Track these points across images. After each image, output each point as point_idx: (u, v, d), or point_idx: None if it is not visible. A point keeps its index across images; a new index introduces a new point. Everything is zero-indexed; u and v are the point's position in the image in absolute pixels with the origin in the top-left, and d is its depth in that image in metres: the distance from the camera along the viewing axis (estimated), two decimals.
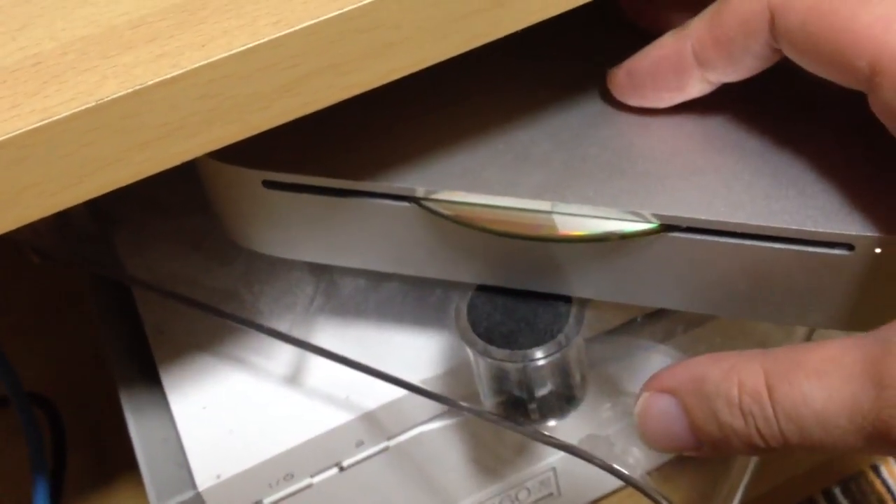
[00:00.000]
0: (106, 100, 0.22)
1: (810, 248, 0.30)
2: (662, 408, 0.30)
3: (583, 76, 0.35)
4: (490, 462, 0.44)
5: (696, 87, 0.32)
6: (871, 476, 0.55)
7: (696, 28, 0.30)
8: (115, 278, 0.46)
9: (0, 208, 0.23)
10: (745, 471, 0.40)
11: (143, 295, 0.44)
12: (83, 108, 0.22)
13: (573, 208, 0.32)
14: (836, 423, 0.26)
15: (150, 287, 0.43)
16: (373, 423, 0.39)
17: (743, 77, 0.31)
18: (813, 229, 0.30)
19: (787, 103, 0.33)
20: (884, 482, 0.55)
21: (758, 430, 0.27)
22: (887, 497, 0.54)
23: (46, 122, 0.22)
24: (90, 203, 0.24)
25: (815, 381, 0.26)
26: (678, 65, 0.31)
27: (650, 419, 0.30)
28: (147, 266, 0.45)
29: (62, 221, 0.47)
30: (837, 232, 0.29)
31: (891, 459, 0.55)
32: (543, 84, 0.35)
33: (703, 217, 0.31)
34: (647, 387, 0.30)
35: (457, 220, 0.32)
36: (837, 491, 0.55)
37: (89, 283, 0.48)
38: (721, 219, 0.30)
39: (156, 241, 0.46)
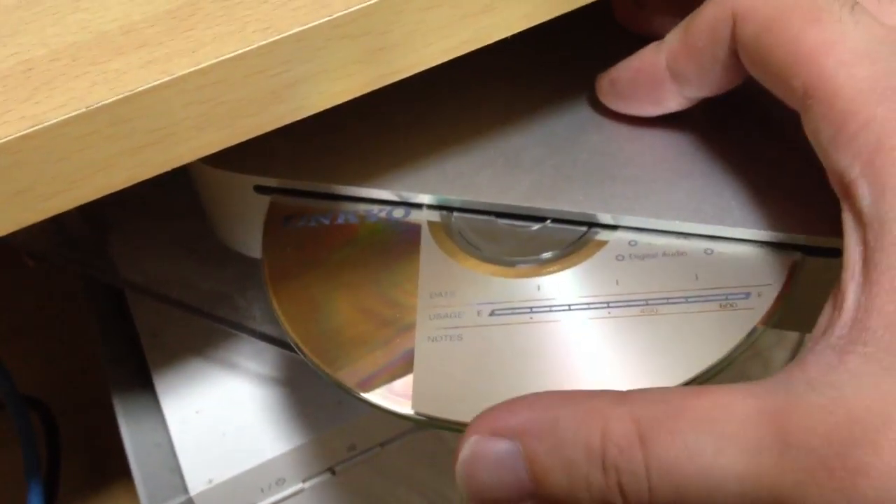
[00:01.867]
0: (96, 106, 0.22)
1: (798, 255, 0.30)
2: (496, 454, 0.24)
3: (574, 82, 0.35)
4: None
5: (673, 102, 0.32)
6: None
7: (670, 40, 0.31)
8: (109, 282, 0.46)
9: None
10: None
11: (137, 299, 0.44)
12: (74, 114, 0.22)
13: (564, 214, 0.32)
14: (724, 486, 0.22)
15: (143, 291, 0.43)
16: (365, 427, 0.39)
17: (716, 92, 0.31)
18: (804, 235, 0.30)
19: (778, 111, 0.33)
20: None
21: (620, 485, 0.23)
22: None
23: (37, 128, 0.22)
24: (84, 207, 0.24)
25: (703, 432, 0.22)
26: (654, 77, 0.31)
27: (480, 468, 0.25)
28: (141, 270, 0.45)
29: (57, 225, 0.47)
30: (826, 238, 0.30)
31: None
32: (534, 89, 0.35)
33: (693, 222, 0.31)
34: (475, 428, 0.25)
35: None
36: None
37: (83, 287, 0.48)
38: (710, 223, 0.31)
39: (150, 245, 0.46)
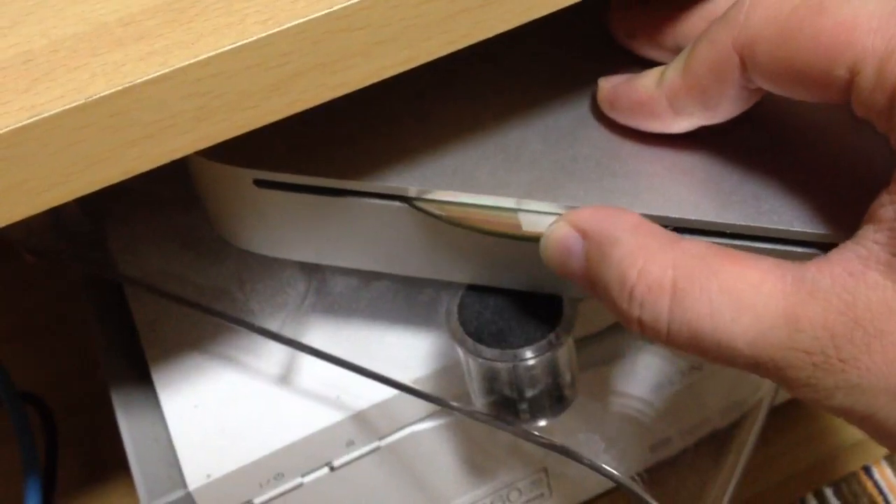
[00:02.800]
0: (95, 97, 0.22)
1: (798, 249, 0.30)
2: (568, 241, 0.30)
3: (574, 77, 0.35)
4: (481, 462, 0.44)
5: (675, 129, 0.32)
6: (863, 477, 0.55)
7: (670, 77, 0.31)
8: (107, 276, 0.46)
9: None
10: (736, 471, 0.40)
11: (135, 293, 0.44)
12: (72, 105, 0.22)
13: (564, 209, 0.32)
14: (733, 344, 0.27)
15: (141, 285, 0.43)
16: (363, 422, 0.39)
17: (721, 121, 0.31)
18: (800, 230, 0.30)
19: (777, 108, 0.33)
20: (875, 483, 0.55)
21: (640, 318, 0.28)
22: (878, 498, 0.54)
23: (36, 119, 0.22)
24: (83, 201, 0.24)
25: (726, 298, 0.27)
26: (654, 112, 0.31)
27: (554, 245, 0.31)
28: (139, 264, 0.45)
29: (55, 220, 0.47)
30: (824, 232, 0.30)
31: (883, 461, 0.55)
32: (534, 84, 0.35)
33: (691, 217, 0.31)
34: (566, 217, 0.31)
35: (447, 220, 0.32)
36: (829, 492, 0.55)
37: (82, 282, 0.48)
38: (710, 218, 0.30)
39: (148, 240, 0.46)
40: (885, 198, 0.26)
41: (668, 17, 0.33)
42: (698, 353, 0.28)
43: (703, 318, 0.27)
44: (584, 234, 0.30)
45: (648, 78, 0.32)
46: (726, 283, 0.27)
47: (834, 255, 0.27)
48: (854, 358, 0.25)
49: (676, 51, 0.32)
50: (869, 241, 0.26)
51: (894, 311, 0.25)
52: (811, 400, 0.27)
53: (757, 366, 0.27)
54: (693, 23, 0.32)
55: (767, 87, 0.29)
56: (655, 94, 0.31)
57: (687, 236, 0.29)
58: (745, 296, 0.26)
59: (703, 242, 0.28)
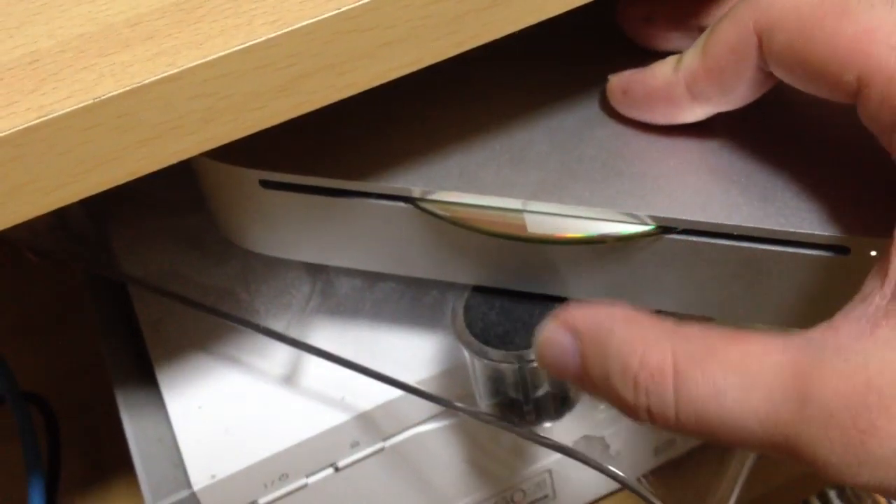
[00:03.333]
0: (102, 98, 0.22)
1: (806, 251, 0.30)
2: (563, 343, 0.29)
3: (580, 77, 0.35)
4: (486, 464, 0.44)
5: (690, 117, 0.32)
6: None
7: (688, 62, 0.30)
8: (111, 277, 0.46)
9: None
10: (741, 473, 0.40)
11: (140, 294, 0.44)
12: (80, 105, 0.22)
13: (569, 210, 0.32)
14: (745, 425, 0.25)
15: (146, 286, 0.43)
16: (368, 423, 0.39)
17: (735, 107, 0.31)
18: (809, 231, 0.30)
19: (785, 108, 0.33)
20: None
21: (648, 407, 0.27)
22: (881, 500, 0.54)
23: (43, 119, 0.22)
24: (87, 202, 0.24)
25: (731, 377, 0.25)
26: (671, 98, 0.31)
27: (548, 347, 0.30)
28: (143, 265, 0.45)
29: (59, 220, 0.47)
30: (833, 234, 0.29)
31: None
32: (540, 85, 0.35)
33: (699, 219, 0.31)
34: (555, 316, 0.30)
35: (453, 221, 0.32)
36: (833, 494, 0.55)
37: (86, 282, 0.48)
38: (717, 220, 0.30)
39: (152, 240, 0.46)
40: (891, 247, 0.25)
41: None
42: (710, 437, 0.26)
43: (710, 400, 0.25)
44: (575, 333, 0.29)
45: (665, 64, 0.31)
46: (728, 361, 0.25)
47: (838, 317, 0.25)
48: (873, 426, 0.23)
49: (697, 32, 0.32)
50: (876, 296, 0.25)
51: None
52: (836, 480, 0.24)
53: (773, 446, 0.25)
54: (715, 1, 0.32)
55: (779, 74, 0.29)
56: (672, 79, 0.31)
57: (684, 322, 0.27)
58: (750, 372, 0.25)
59: (701, 324, 0.27)
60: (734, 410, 0.25)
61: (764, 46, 0.28)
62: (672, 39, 0.34)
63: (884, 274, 0.25)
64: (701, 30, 0.31)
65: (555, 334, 0.29)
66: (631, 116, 0.33)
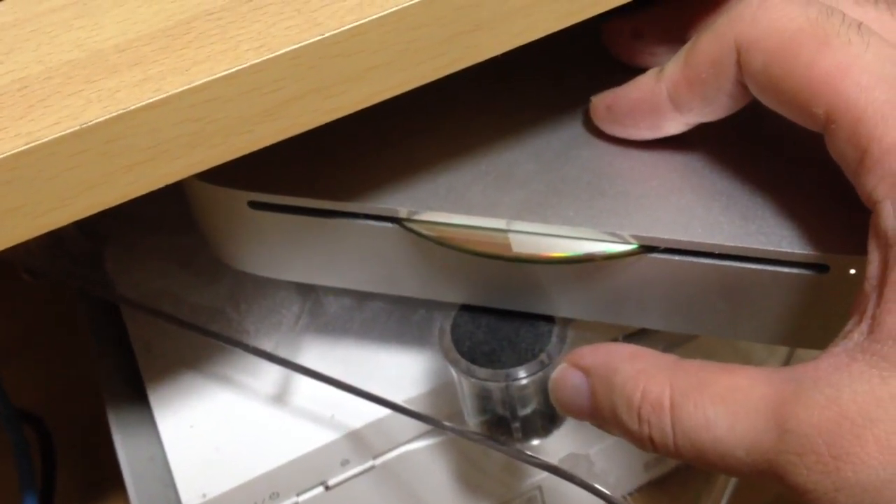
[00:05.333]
0: (90, 124, 0.23)
1: (786, 269, 0.30)
2: (574, 382, 0.31)
3: (565, 98, 0.35)
4: (476, 481, 0.45)
5: (673, 127, 0.32)
6: None
7: (670, 72, 0.31)
8: (104, 297, 0.47)
9: None
10: (726, 490, 0.40)
11: (132, 313, 0.45)
12: (68, 131, 0.22)
13: (553, 229, 0.32)
14: (734, 453, 0.26)
15: (138, 305, 0.44)
16: (358, 441, 0.39)
17: (718, 117, 0.31)
18: (789, 250, 0.30)
19: (765, 129, 0.33)
20: None
21: (651, 437, 0.28)
22: None
23: (32, 145, 0.22)
24: (81, 222, 0.25)
25: (720, 408, 0.27)
26: (654, 107, 0.32)
27: (561, 389, 0.31)
28: (136, 284, 0.45)
29: (53, 240, 0.47)
30: (813, 253, 0.30)
31: None
32: (526, 106, 0.36)
33: (681, 238, 0.31)
34: (567, 359, 0.32)
35: (439, 241, 0.33)
36: None
37: (79, 302, 0.49)
38: (699, 240, 0.31)
39: (145, 260, 0.46)
40: (865, 284, 0.26)
41: (678, 11, 0.33)
42: (708, 465, 0.27)
43: (701, 430, 0.27)
44: (586, 372, 0.31)
45: (647, 75, 0.32)
46: (717, 394, 0.27)
47: (823, 354, 0.26)
48: (847, 453, 0.24)
49: (675, 48, 0.32)
50: (855, 333, 0.26)
51: (882, 399, 0.24)
52: None
53: (759, 473, 0.26)
54: (705, 15, 0.33)
55: (754, 92, 0.29)
56: (655, 89, 0.31)
57: (684, 359, 0.29)
58: (737, 404, 0.26)
59: (699, 361, 0.28)
60: (723, 439, 0.26)
61: (742, 62, 0.29)
62: (658, 55, 0.34)
63: (862, 311, 0.26)
64: (682, 43, 0.32)
65: (567, 375, 0.31)
66: (615, 133, 0.34)
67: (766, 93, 0.28)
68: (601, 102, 0.33)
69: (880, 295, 0.25)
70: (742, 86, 0.29)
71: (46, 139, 0.22)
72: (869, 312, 0.26)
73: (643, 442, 0.29)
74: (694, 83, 0.30)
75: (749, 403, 0.26)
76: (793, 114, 0.28)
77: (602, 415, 0.30)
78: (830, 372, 0.25)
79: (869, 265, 0.26)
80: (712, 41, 0.29)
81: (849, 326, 0.26)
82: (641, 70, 0.33)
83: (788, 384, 0.26)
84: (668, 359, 0.29)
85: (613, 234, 0.31)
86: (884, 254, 0.26)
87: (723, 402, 0.27)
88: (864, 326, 0.26)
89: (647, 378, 0.28)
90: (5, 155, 0.22)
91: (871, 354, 0.25)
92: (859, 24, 0.27)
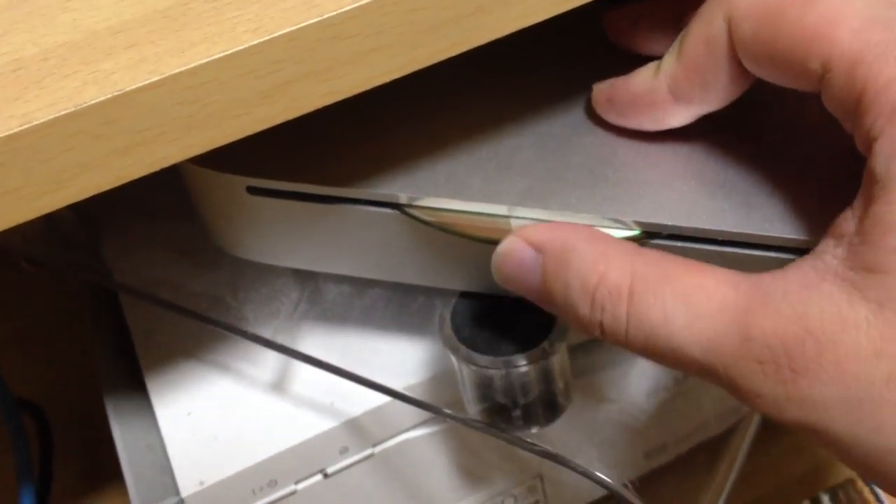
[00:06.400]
0: (85, 105, 0.22)
1: (789, 256, 0.30)
2: (524, 258, 0.30)
3: (567, 84, 0.35)
4: (476, 469, 0.44)
5: (676, 120, 0.32)
6: (859, 483, 0.55)
7: (667, 64, 0.31)
8: (102, 284, 0.46)
9: None
10: (729, 478, 0.40)
11: (130, 301, 0.45)
12: (63, 113, 0.22)
13: (556, 215, 0.32)
14: (687, 350, 0.27)
15: (136, 293, 0.43)
16: (357, 429, 0.39)
17: (720, 105, 0.31)
18: (792, 237, 0.30)
19: (770, 117, 0.33)
20: (872, 490, 0.55)
21: (601, 322, 0.28)
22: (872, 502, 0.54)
23: (26, 126, 0.22)
24: (78, 209, 0.24)
25: (680, 304, 0.27)
26: (654, 102, 0.32)
27: (508, 262, 0.31)
28: (134, 272, 0.45)
29: (51, 228, 0.47)
30: (814, 239, 0.30)
31: None
32: (528, 92, 0.35)
33: (684, 224, 0.31)
34: (519, 233, 0.31)
35: (438, 227, 0.33)
36: (825, 498, 0.55)
37: (78, 290, 0.48)
38: (702, 226, 0.31)
39: (143, 247, 0.46)
40: (847, 213, 0.26)
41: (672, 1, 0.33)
42: (655, 357, 0.28)
43: (658, 323, 0.27)
44: (540, 248, 0.30)
45: (646, 70, 0.32)
46: (681, 290, 0.27)
47: (790, 267, 0.27)
48: (805, 368, 0.25)
49: (678, 33, 0.32)
50: (828, 255, 0.26)
51: (848, 322, 0.25)
52: (765, 412, 0.27)
53: (709, 373, 0.27)
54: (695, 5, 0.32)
55: (749, 66, 0.29)
56: (654, 84, 0.31)
57: (647, 248, 0.29)
58: (699, 303, 0.27)
59: (662, 252, 0.29)
60: (679, 336, 0.27)
61: (733, 36, 0.28)
62: (655, 42, 0.34)
63: (838, 236, 0.26)
64: (679, 31, 0.32)
65: (516, 248, 0.31)
66: (618, 124, 0.33)
67: (760, 61, 0.28)
68: (601, 95, 0.33)
69: (860, 226, 0.26)
70: (739, 65, 0.29)
71: (41, 120, 0.22)
72: (846, 239, 0.26)
73: (591, 327, 0.29)
74: (691, 70, 0.30)
75: (713, 305, 0.27)
76: (789, 76, 0.28)
77: (551, 296, 0.30)
78: (800, 288, 0.26)
79: (856, 199, 0.26)
80: (702, 23, 0.29)
81: (821, 246, 0.27)
82: (643, 57, 0.33)
83: (756, 291, 0.26)
84: (630, 246, 0.29)
85: (616, 220, 0.31)
86: (869, 188, 0.26)
87: (685, 299, 0.27)
88: (839, 251, 0.26)
89: (608, 262, 0.28)
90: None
91: (842, 280, 0.25)
92: None
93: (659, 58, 0.32)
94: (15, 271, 0.47)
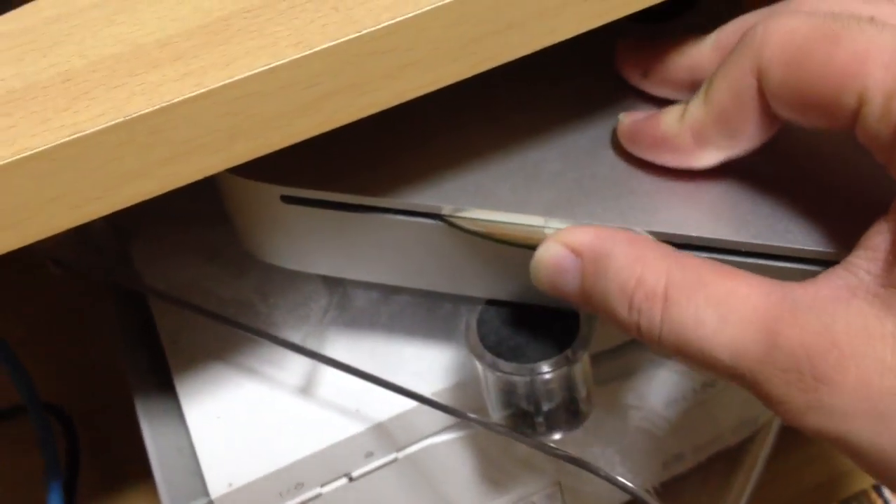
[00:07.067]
0: (133, 116, 0.23)
1: (814, 268, 0.31)
2: (562, 262, 0.31)
3: (594, 97, 0.36)
4: (497, 476, 0.45)
5: (700, 164, 0.32)
6: (873, 495, 0.55)
7: (693, 111, 0.31)
8: (131, 288, 0.47)
9: (28, 220, 0.24)
10: (747, 488, 0.41)
11: (159, 305, 0.45)
12: (111, 123, 0.23)
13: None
14: (717, 355, 0.28)
15: (166, 297, 0.44)
16: (382, 434, 0.40)
17: (746, 152, 0.31)
18: (815, 248, 0.30)
19: (793, 131, 0.34)
20: (886, 501, 0.55)
21: (638, 324, 0.29)
22: None
23: (76, 136, 0.23)
24: (109, 214, 0.25)
25: (713, 310, 0.28)
26: (678, 147, 0.32)
27: (547, 266, 0.31)
28: (163, 276, 0.45)
29: (81, 232, 0.48)
30: (838, 252, 0.30)
31: None
32: (555, 104, 0.36)
33: (708, 235, 0.31)
34: (557, 237, 0.31)
35: (481, 235, 0.33)
36: None
37: (107, 294, 0.49)
38: (726, 237, 0.31)
39: (172, 253, 0.46)
40: (881, 226, 0.27)
41: (678, 51, 0.34)
42: (686, 360, 0.29)
43: (689, 327, 0.28)
44: (578, 253, 0.31)
45: (671, 115, 0.32)
46: (713, 295, 0.28)
47: (822, 278, 0.28)
48: (828, 378, 0.26)
49: (690, 86, 0.32)
50: (861, 269, 0.27)
51: (874, 336, 0.26)
52: (786, 418, 0.27)
53: (737, 377, 0.28)
54: (704, 55, 0.33)
55: (781, 112, 0.29)
56: (678, 130, 0.31)
57: (684, 251, 0.30)
58: (730, 309, 0.27)
59: (698, 257, 0.29)
60: (709, 340, 0.28)
61: (763, 86, 0.29)
62: (669, 93, 0.35)
63: (872, 250, 0.27)
64: (691, 84, 0.32)
65: (556, 253, 0.31)
66: (642, 158, 0.34)
67: (793, 105, 0.28)
68: (626, 131, 0.34)
69: (891, 249, 0.26)
70: (767, 114, 0.29)
71: (90, 130, 0.23)
72: (881, 255, 0.26)
73: (629, 328, 0.30)
74: (719, 120, 0.30)
75: (743, 312, 0.27)
76: (822, 117, 0.28)
77: (590, 298, 0.30)
78: (829, 301, 0.27)
79: (889, 215, 0.27)
80: (730, 75, 0.29)
81: (854, 259, 0.27)
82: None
83: (785, 302, 0.27)
84: (667, 249, 0.30)
85: (642, 232, 0.32)
86: None
87: (717, 305, 0.28)
88: (872, 266, 0.27)
89: (644, 266, 0.29)
90: (49, 146, 0.23)
91: (873, 296, 0.26)
92: (870, 18, 0.27)
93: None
94: (40, 272, 0.48)
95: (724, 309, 0.28)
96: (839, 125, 0.28)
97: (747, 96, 0.29)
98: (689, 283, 0.28)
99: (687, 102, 0.31)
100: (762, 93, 0.29)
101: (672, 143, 0.32)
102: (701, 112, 0.31)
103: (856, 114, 0.27)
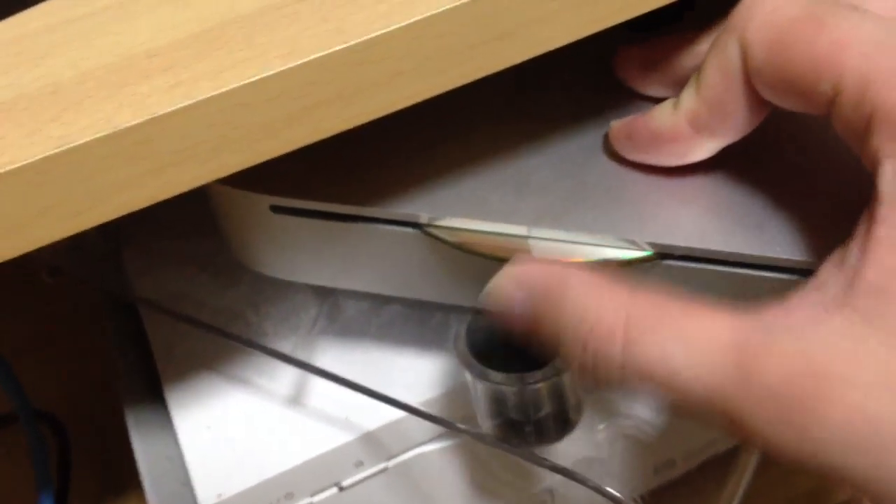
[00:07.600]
0: (121, 127, 0.23)
1: (798, 277, 0.31)
2: (514, 297, 0.30)
3: (583, 106, 0.36)
4: (488, 484, 0.45)
5: (698, 154, 0.32)
6: (865, 502, 0.55)
7: (686, 98, 0.31)
8: (123, 298, 0.47)
9: (18, 231, 0.24)
10: (737, 495, 0.41)
11: (151, 314, 0.45)
12: (99, 135, 0.23)
13: (571, 236, 0.32)
14: (690, 390, 0.26)
15: (157, 307, 0.44)
16: (372, 443, 0.40)
17: (740, 135, 0.31)
18: (803, 259, 0.30)
19: (782, 140, 0.34)
20: None
21: (594, 364, 0.27)
22: None
23: (64, 148, 0.23)
24: (101, 224, 0.25)
25: (681, 345, 0.26)
26: (675, 137, 0.32)
27: (499, 299, 0.30)
28: (155, 286, 0.45)
29: (73, 242, 0.48)
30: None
31: None
32: (545, 113, 0.36)
33: (696, 246, 0.31)
34: (511, 272, 0.30)
35: (458, 247, 0.33)
36: None
37: (99, 303, 0.49)
38: (714, 247, 0.31)
39: (164, 262, 0.46)
40: (852, 244, 0.26)
41: (680, 52, 0.34)
42: (657, 401, 0.27)
43: (656, 365, 0.26)
44: (530, 290, 0.29)
45: (662, 110, 0.32)
46: (679, 330, 0.26)
47: (793, 299, 0.26)
48: (812, 409, 0.24)
49: (679, 82, 0.33)
50: (830, 286, 0.26)
51: (857, 356, 0.24)
52: (775, 455, 0.25)
53: (712, 418, 0.26)
54: (705, 45, 0.33)
55: (762, 91, 0.29)
56: (674, 119, 0.31)
57: (639, 288, 0.28)
58: (698, 344, 0.26)
59: (658, 293, 0.28)
60: (679, 378, 0.26)
61: (747, 64, 0.29)
62: (668, 88, 0.35)
63: (840, 264, 0.26)
64: (683, 78, 0.32)
65: (508, 287, 0.30)
66: (638, 160, 0.34)
67: (774, 86, 0.29)
68: (621, 132, 0.34)
69: (863, 250, 0.25)
70: (755, 93, 0.30)
71: (78, 142, 0.23)
72: (850, 264, 0.25)
73: (584, 366, 0.28)
74: (711, 102, 0.30)
75: (712, 345, 0.25)
76: (800, 101, 0.28)
77: (543, 336, 0.29)
78: (805, 323, 0.25)
79: (859, 223, 0.26)
80: (718, 53, 0.30)
81: (823, 275, 0.26)
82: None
83: (756, 331, 0.25)
84: (623, 289, 0.28)
85: (630, 241, 0.32)
86: (872, 210, 0.26)
87: (683, 340, 0.26)
88: (842, 278, 0.25)
89: (599, 313, 0.27)
90: (38, 158, 0.23)
91: (851, 310, 0.24)
92: (854, 6, 0.27)
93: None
94: (33, 281, 0.48)
95: (691, 346, 0.26)
96: (816, 111, 0.28)
97: (735, 74, 0.29)
98: (651, 320, 0.27)
99: (677, 97, 0.32)
100: (747, 69, 0.29)
101: (667, 136, 0.32)
102: (693, 99, 0.31)
103: (831, 102, 0.27)
